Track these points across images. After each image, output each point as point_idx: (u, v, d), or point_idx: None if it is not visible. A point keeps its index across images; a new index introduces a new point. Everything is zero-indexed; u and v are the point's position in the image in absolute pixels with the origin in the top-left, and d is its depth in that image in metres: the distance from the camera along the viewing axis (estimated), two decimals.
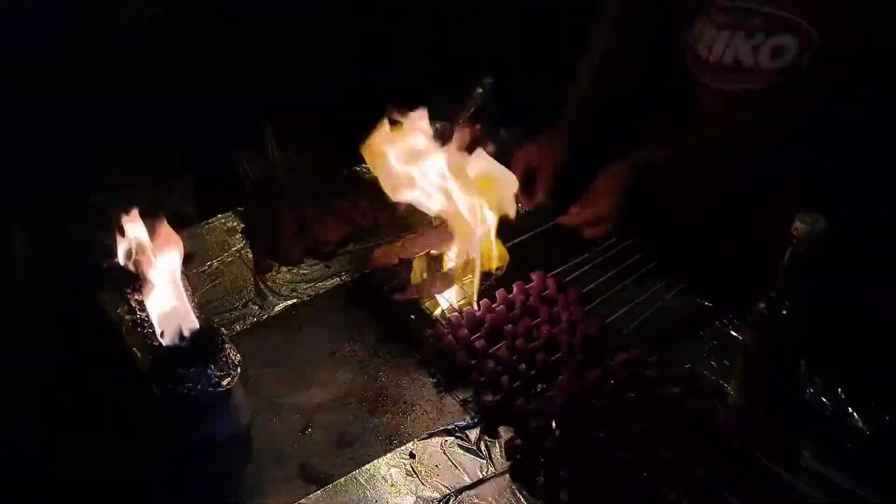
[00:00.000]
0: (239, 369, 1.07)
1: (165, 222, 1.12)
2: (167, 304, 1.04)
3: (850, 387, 1.13)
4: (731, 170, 1.41)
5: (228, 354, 1.06)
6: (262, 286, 1.41)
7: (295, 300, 1.38)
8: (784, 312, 1.03)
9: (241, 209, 1.63)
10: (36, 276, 1.47)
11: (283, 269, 1.46)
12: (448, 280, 1.35)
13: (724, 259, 1.32)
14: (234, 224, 1.61)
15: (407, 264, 1.36)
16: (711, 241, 1.41)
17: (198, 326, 1.03)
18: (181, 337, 1.01)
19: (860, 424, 1.07)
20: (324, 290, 1.40)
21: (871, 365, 1.18)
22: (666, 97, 1.54)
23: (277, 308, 1.36)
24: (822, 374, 1.15)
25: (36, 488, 1.15)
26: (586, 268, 1.38)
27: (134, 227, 1.10)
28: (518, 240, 1.45)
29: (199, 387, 1.01)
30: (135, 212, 1.11)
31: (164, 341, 1.01)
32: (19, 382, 1.53)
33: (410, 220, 1.57)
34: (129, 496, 1.03)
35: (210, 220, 1.63)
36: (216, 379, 1.02)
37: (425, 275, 1.36)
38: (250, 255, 1.50)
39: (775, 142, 1.32)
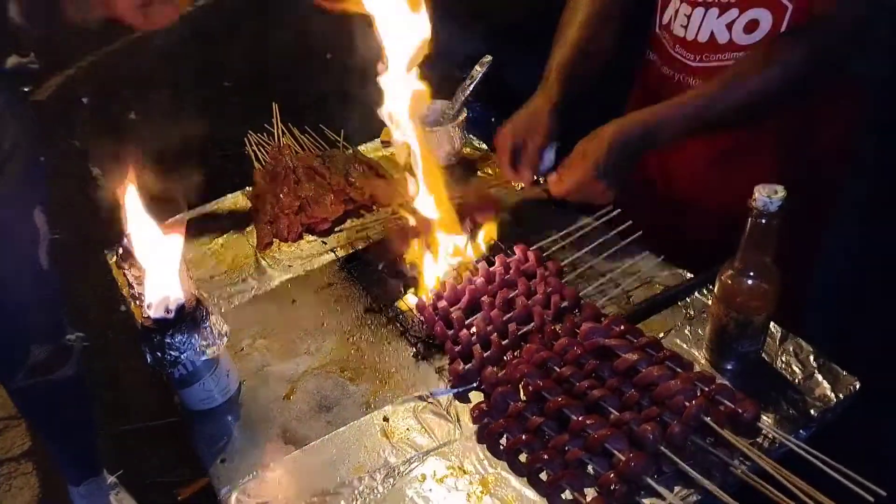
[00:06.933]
0: (225, 339, 1.15)
1: None
2: (158, 278, 1.12)
3: (823, 356, 1.13)
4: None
5: (213, 325, 1.13)
6: (263, 262, 1.49)
7: (291, 275, 1.45)
8: (748, 282, 1.04)
9: (249, 189, 1.71)
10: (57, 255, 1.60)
11: (283, 245, 1.53)
12: (435, 253, 1.39)
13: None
14: (243, 203, 1.70)
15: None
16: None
17: (183, 299, 1.10)
18: (167, 309, 1.09)
19: (828, 392, 1.07)
20: (318, 265, 1.46)
21: (852, 338, 1.17)
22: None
23: (274, 282, 1.44)
24: (796, 343, 1.16)
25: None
26: (571, 239, 1.40)
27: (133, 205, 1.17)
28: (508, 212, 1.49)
29: (183, 355, 1.09)
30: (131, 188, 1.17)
31: (151, 313, 1.09)
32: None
33: (406, 198, 1.61)
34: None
35: (221, 200, 1.72)
36: (201, 348, 1.10)
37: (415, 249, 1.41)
38: (254, 233, 1.58)
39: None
